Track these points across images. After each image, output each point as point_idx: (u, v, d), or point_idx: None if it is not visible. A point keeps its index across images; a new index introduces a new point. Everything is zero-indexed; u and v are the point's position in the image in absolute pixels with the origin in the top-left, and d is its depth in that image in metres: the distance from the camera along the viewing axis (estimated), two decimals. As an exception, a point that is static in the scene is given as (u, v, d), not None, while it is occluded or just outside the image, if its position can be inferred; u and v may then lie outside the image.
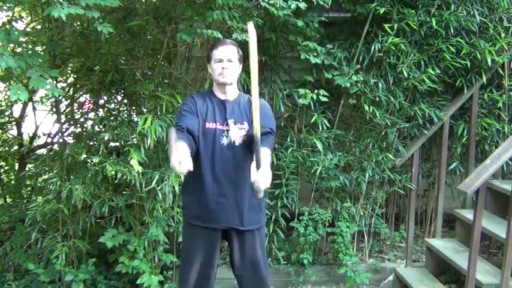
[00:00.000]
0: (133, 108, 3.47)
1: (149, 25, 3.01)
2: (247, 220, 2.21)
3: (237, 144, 2.17)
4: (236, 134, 2.17)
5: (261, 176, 1.94)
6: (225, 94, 2.23)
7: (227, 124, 2.17)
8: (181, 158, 1.80)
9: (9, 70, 2.47)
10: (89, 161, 3.11)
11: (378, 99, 3.34)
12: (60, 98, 3.28)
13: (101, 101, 3.62)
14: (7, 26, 2.79)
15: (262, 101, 2.26)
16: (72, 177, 3.06)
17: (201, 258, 2.24)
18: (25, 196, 3.92)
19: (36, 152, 4.03)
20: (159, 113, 2.94)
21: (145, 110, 3.14)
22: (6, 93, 3.89)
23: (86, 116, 3.57)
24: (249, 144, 2.14)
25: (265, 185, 1.95)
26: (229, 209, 2.19)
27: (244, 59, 2.29)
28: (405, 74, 3.27)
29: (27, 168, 4.01)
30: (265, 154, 2.03)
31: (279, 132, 3.50)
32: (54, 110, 3.58)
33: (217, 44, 2.23)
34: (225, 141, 2.16)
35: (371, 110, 3.31)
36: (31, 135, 4.18)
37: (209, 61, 2.23)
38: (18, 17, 3.58)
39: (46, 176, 3.36)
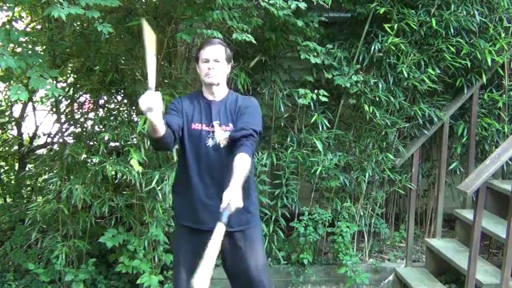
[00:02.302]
0: (133, 108, 3.46)
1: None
2: (234, 221, 2.11)
3: (222, 146, 2.13)
4: (221, 135, 2.14)
5: (229, 195, 1.81)
6: (212, 95, 2.20)
7: (212, 126, 2.15)
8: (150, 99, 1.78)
9: (9, 70, 2.47)
10: (89, 161, 3.11)
11: (378, 99, 3.34)
12: (60, 98, 3.28)
13: (101, 101, 3.62)
14: (7, 26, 2.79)
15: (251, 99, 2.22)
16: (72, 177, 3.06)
17: (190, 258, 2.20)
18: (25, 196, 3.92)
19: (36, 152, 4.03)
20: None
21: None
22: (6, 93, 3.89)
23: (86, 116, 3.57)
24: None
25: (234, 204, 1.81)
26: (215, 210, 2.08)
27: (237, 59, 2.28)
28: (405, 74, 3.27)
29: (27, 168, 4.01)
30: (241, 161, 1.93)
31: (279, 132, 3.50)
32: (54, 110, 3.58)
33: (204, 44, 2.20)
34: (210, 142, 2.13)
35: (371, 110, 3.31)
36: (31, 135, 4.18)
37: (197, 61, 2.22)
38: (18, 17, 3.57)
39: (46, 176, 3.36)
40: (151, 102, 1.80)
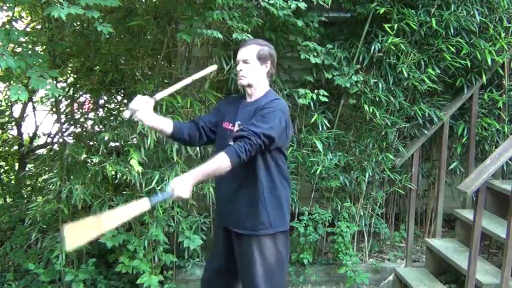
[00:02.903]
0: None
1: (149, 25, 3.01)
2: (242, 223, 2.14)
3: None
4: None
5: (175, 182, 1.84)
6: (249, 96, 2.20)
7: (234, 125, 2.16)
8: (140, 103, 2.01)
9: (9, 70, 2.47)
10: (89, 161, 3.11)
11: (378, 99, 3.34)
12: (60, 98, 3.28)
13: (101, 101, 3.62)
14: (7, 26, 2.79)
15: (274, 102, 2.09)
16: (72, 177, 3.06)
17: (212, 248, 2.46)
18: (25, 196, 3.92)
19: (36, 152, 4.03)
20: (159, 113, 2.93)
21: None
22: (6, 93, 3.89)
23: (86, 116, 3.57)
24: None
25: (178, 193, 1.82)
26: (228, 207, 2.20)
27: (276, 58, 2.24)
28: (405, 74, 3.27)
29: (27, 168, 4.01)
30: (214, 158, 1.92)
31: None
32: (54, 110, 3.58)
33: (238, 45, 2.23)
34: (232, 142, 2.12)
35: (371, 110, 3.31)
36: (31, 135, 4.18)
37: None
38: (18, 17, 3.58)
39: (46, 176, 3.37)
40: (137, 104, 2.01)
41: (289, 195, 2.24)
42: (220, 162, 1.91)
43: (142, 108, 2.02)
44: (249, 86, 2.16)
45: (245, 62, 2.13)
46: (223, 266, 2.29)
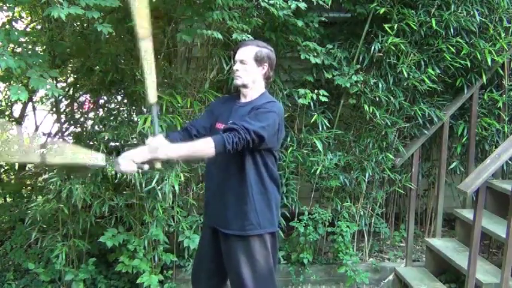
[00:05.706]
0: (133, 108, 3.47)
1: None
2: (231, 223, 2.13)
3: None
4: None
5: (152, 142, 1.87)
6: (243, 96, 2.20)
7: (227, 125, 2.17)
8: (121, 159, 1.86)
9: (9, 70, 2.47)
10: (89, 160, 3.11)
11: (378, 99, 3.34)
12: (60, 98, 3.28)
13: (101, 101, 3.62)
14: (7, 26, 2.79)
15: (270, 104, 2.11)
16: (72, 176, 3.06)
17: (199, 249, 2.41)
18: (25, 196, 3.92)
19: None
20: (159, 113, 2.94)
21: (145, 110, 3.14)
22: (6, 93, 3.89)
23: (86, 116, 3.57)
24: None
25: (159, 147, 1.85)
26: (216, 207, 2.18)
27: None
28: (405, 74, 3.27)
29: (27, 168, 4.01)
30: (199, 140, 1.95)
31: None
32: (54, 110, 3.58)
33: (237, 45, 2.21)
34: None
35: (371, 110, 3.31)
36: (31, 135, 4.17)
37: None
38: (18, 17, 3.58)
39: (46, 176, 3.36)
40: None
41: (278, 197, 2.22)
42: (205, 146, 1.90)
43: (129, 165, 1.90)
44: (244, 86, 2.17)
45: (242, 62, 2.14)
46: (211, 267, 2.28)
